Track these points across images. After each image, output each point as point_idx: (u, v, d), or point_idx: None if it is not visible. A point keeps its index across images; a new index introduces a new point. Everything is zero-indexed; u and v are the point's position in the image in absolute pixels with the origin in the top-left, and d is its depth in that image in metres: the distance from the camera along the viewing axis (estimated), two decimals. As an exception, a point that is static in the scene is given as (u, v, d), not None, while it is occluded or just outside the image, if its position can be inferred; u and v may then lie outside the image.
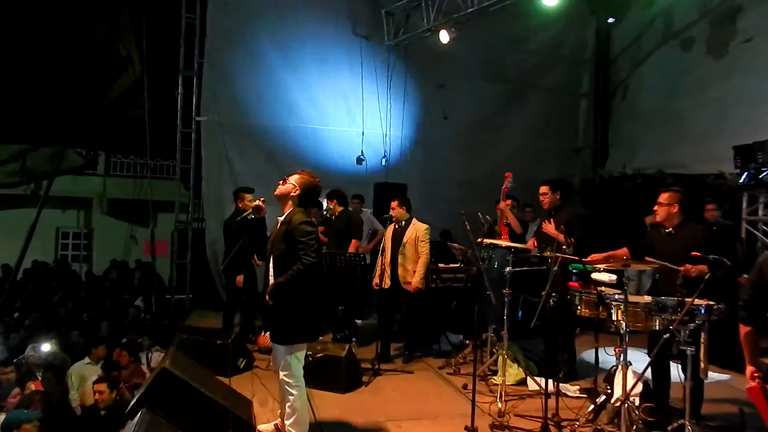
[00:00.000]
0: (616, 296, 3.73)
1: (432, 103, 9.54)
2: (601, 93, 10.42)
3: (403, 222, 5.65)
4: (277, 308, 3.44)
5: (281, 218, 3.52)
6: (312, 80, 8.87)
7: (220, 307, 6.98)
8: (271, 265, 3.51)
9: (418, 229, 5.62)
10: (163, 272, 10.20)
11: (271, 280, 3.49)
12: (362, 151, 9.12)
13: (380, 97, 9.21)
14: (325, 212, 6.34)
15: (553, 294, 4.03)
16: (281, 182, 3.52)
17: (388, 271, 5.54)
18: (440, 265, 6.25)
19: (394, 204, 5.69)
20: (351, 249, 6.07)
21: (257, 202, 3.71)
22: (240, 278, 6.06)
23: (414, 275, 5.50)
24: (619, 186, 9.35)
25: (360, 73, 9.13)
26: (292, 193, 3.47)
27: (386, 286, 5.59)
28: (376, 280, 5.62)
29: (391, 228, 5.77)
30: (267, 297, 3.45)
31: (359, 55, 9.12)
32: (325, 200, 6.63)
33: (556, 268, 4.10)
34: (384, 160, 9.26)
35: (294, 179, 3.52)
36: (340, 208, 6.32)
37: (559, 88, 10.16)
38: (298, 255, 3.35)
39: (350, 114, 9.14)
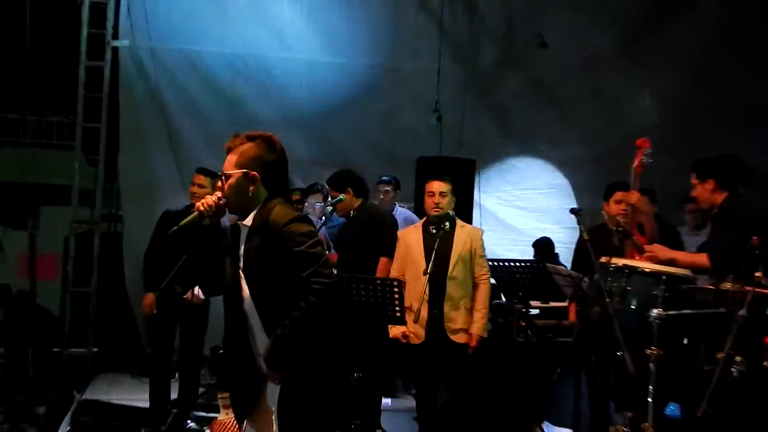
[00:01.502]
0: None
1: (520, 20, 9.53)
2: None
3: (446, 224, 5.69)
4: (284, 382, 3.52)
5: (245, 222, 3.60)
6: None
7: (144, 368, 7.06)
8: (247, 308, 3.58)
9: (473, 236, 5.73)
10: (48, 306, 10.22)
11: (258, 337, 3.56)
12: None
13: (427, 9, 9.24)
14: (329, 207, 6.36)
15: (738, 358, 4.03)
16: (218, 183, 3.65)
17: (424, 313, 5.55)
18: (534, 303, 6.36)
19: (442, 186, 5.71)
20: (380, 272, 6.05)
21: (204, 202, 3.63)
22: (149, 299, 6.19)
23: (473, 318, 5.59)
24: None
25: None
26: (250, 188, 3.55)
27: (419, 341, 5.63)
28: (400, 329, 5.66)
29: (415, 232, 5.83)
30: (266, 368, 3.51)
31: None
32: (328, 190, 6.60)
33: (743, 311, 4.06)
34: (435, 118, 9.19)
35: (236, 163, 3.58)
36: (358, 201, 6.34)
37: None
38: (303, 278, 3.40)
39: (374, 36, 9.17)
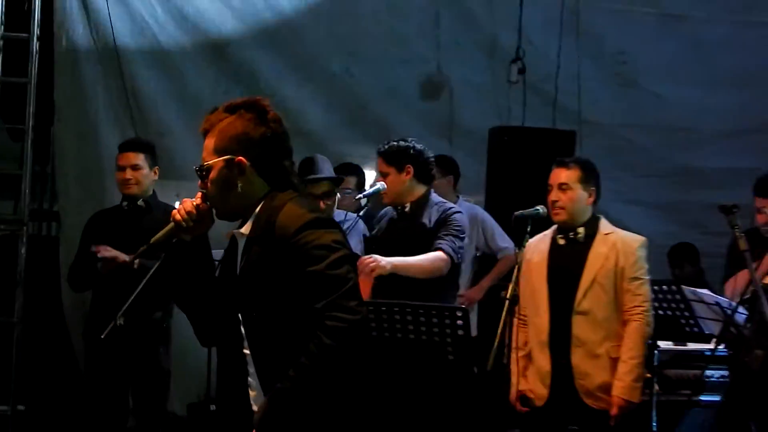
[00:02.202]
0: None
1: None
2: None
3: (579, 230, 5.65)
4: None
5: (242, 230, 3.64)
6: None
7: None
8: (246, 350, 3.59)
9: (621, 248, 5.63)
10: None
11: (257, 391, 3.51)
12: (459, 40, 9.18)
13: None
14: (363, 199, 6.38)
15: None
16: (199, 182, 3.67)
17: (545, 364, 5.63)
18: (662, 343, 6.41)
19: (566, 175, 5.63)
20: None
21: (181, 208, 3.62)
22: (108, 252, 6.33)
23: (617, 373, 5.50)
24: None
25: None
26: (239, 181, 3.52)
27: (540, 403, 5.62)
28: (520, 388, 5.75)
29: (542, 243, 5.85)
30: None
31: None
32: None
33: None
34: (516, 69, 9.17)
35: (215, 149, 3.58)
36: (421, 190, 6.36)
37: None
38: (318, 310, 3.31)
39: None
